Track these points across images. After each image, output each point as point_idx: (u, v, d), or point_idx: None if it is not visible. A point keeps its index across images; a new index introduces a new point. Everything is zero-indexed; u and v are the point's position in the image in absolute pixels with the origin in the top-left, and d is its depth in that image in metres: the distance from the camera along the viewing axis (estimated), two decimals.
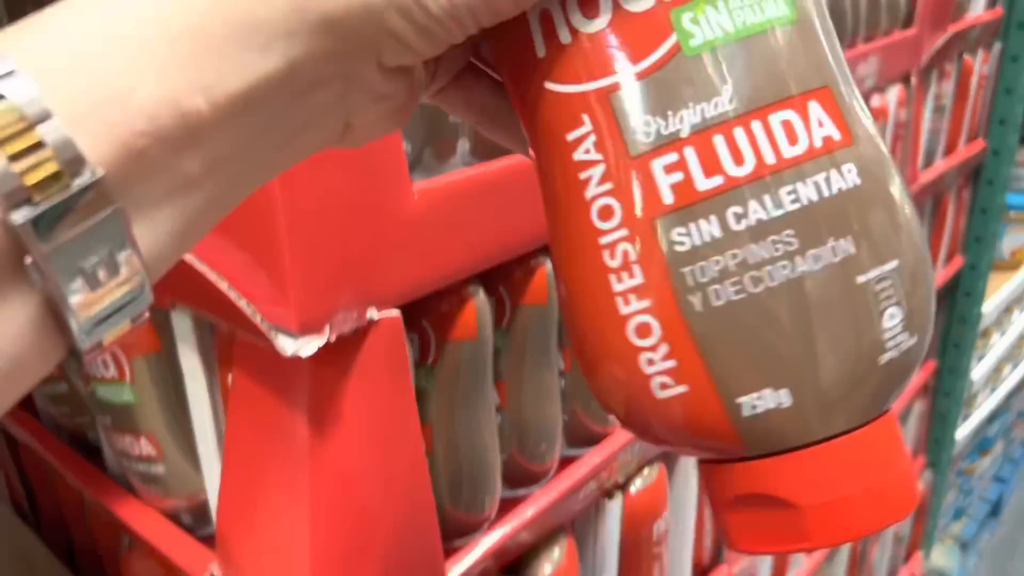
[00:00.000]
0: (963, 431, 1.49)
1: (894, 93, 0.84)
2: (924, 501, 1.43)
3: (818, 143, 0.19)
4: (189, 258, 0.35)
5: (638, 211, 0.19)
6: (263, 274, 0.34)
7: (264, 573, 0.40)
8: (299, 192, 0.32)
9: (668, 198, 0.19)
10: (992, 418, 1.62)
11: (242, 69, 0.16)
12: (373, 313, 0.36)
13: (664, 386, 0.19)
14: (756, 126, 0.19)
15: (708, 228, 0.19)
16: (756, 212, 0.19)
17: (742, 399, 0.19)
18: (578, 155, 0.20)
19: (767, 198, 0.19)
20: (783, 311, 0.19)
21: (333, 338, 0.34)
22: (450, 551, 0.45)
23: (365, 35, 0.18)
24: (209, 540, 0.45)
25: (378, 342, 0.36)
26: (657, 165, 0.19)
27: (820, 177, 0.19)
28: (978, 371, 1.41)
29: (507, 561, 0.50)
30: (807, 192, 0.19)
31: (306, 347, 0.33)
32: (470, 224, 0.39)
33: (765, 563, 0.84)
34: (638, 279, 0.19)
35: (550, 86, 0.20)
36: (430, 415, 0.42)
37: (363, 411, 0.36)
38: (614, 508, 0.55)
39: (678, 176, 0.19)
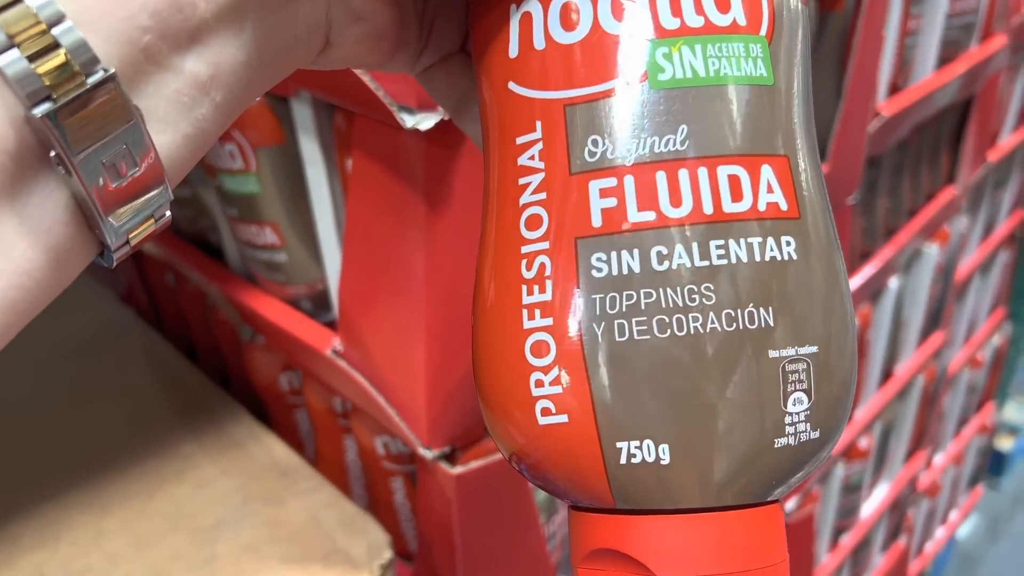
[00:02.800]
0: None
1: None
2: (1002, 353, 1.43)
3: (762, 207, 0.19)
4: None
5: (563, 228, 0.19)
6: None
7: (383, 347, 0.44)
8: None
9: (596, 221, 0.18)
10: None
11: None
12: None
13: (546, 412, 0.19)
14: (702, 172, 0.18)
15: (628, 261, 0.18)
16: (680, 257, 0.18)
17: (620, 444, 0.18)
18: (522, 159, 0.20)
19: (695, 246, 0.18)
20: (683, 363, 0.18)
21: (447, 116, 0.37)
22: None
23: None
24: (329, 325, 0.50)
25: None
26: (594, 186, 0.19)
27: (755, 240, 0.18)
28: None
29: None
30: (738, 251, 0.18)
31: (424, 121, 0.36)
32: None
33: None
34: (547, 295, 0.19)
35: (513, 87, 0.20)
36: None
37: (475, 188, 0.39)
38: None
39: (611, 202, 0.18)
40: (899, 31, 0.71)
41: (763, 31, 0.19)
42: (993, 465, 1.66)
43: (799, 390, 0.19)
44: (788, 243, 0.19)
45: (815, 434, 0.19)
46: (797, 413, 0.19)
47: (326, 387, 0.54)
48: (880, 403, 0.95)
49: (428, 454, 0.44)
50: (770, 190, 0.19)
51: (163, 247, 0.61)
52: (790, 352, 0.18)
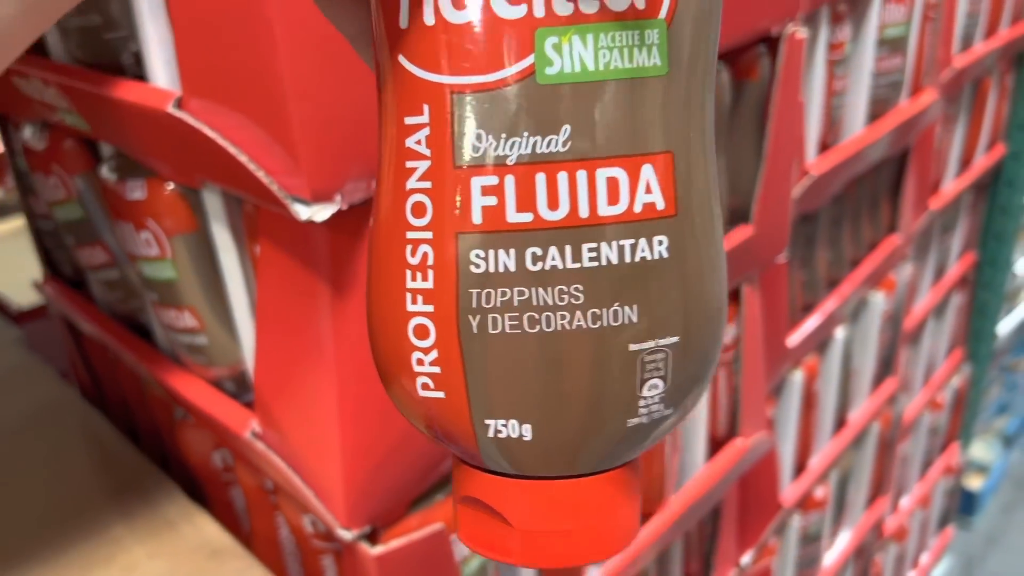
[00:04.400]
0: (1006, 325, 1.48)
1: None
2: (963, 393, 1.44)
3: (638, 208, 0.19)
4: (212, 135, 0.38)
5: (446, 221, 0.19)
6: (278, 148, 0.36)
7: (298, 428, 0.44)
8: (306, 72, 0.35)
9: (477, 218, 0.19)
10: None
11: None
12: None
13: (425, 387, 0.20)
14: (581, 176, 0.18)
15: (504, 260, 0.19)
16: (553, 259, 0.19)
17: (489, 421, 0.20)
18: (410, 142, 0.19)
19: (568, 249, 0.19)
20: (547, 357, 0.19)
21: (345, 206, 0.37)
22: None
23: None
24: (251, 405, 0.50)
25: None
26: (476, 183, 0.19)
27: (627, 243, 0.19)
28: (1021, 264, 1.40)
29: None
30: (609, 254, 0.19)
31: (319, 213, 0.36)
32: None
33: (788, 440, 0.87)
34: (429, 283, 0.19)
35: (403, 61, 0.19)
36: None
37: None
38: None
39: (492, 200, 0.19)
40: (824, 92, 0.73)
41: (663, 13, 0.19)
42: (964, 505, 1.66)
43: (656, 377, 0.20)
44: (660, 242, 0.19)
45: (668, 411, 0.21)
46: (652, 396, 0.20)
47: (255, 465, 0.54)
48: (835, 452, 0.96)
49: (347, 535, 0.44)
50: (648, 190, 0.19)
51: (96, 327, 0.61)
52: (650, 344, 0.19)
